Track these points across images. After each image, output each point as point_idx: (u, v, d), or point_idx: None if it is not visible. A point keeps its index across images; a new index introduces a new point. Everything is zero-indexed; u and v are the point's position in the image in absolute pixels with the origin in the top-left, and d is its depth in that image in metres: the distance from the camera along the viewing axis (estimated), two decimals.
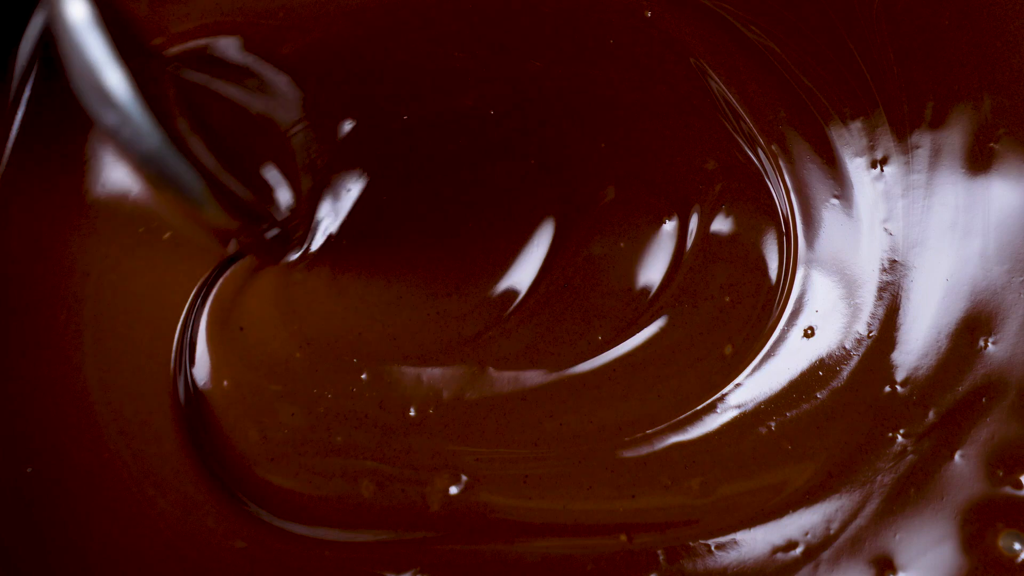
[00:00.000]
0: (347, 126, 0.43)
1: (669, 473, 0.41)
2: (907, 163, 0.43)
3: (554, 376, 0.42)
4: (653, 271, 0.43)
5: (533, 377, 0.42)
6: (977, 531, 0.39)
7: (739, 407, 0.41)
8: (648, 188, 0.43)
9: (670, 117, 0.44)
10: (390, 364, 0.42)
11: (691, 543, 0.40)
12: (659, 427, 0.41)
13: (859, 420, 0.41)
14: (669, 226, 0.43)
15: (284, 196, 0.42)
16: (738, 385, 0.41)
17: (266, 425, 0.41)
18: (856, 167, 0.43)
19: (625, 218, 0.43)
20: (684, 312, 0.42)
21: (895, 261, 0.42)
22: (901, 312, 0.42)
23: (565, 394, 0.41)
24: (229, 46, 0.43)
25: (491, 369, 0.42)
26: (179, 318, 0.42)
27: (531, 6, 0.45)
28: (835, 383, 0.41)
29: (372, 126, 0.43)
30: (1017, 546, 0.39)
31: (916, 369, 0.41)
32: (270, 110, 0.43)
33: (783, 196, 0.43)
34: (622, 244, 0.43)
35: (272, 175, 0.42)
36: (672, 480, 0.40)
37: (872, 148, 0.43)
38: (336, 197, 0.42)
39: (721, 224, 0.43)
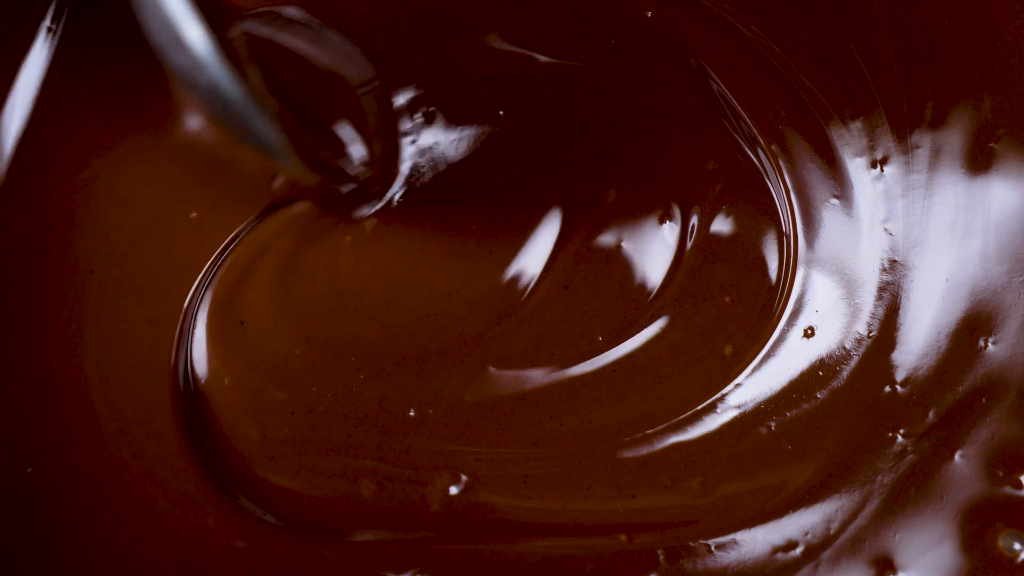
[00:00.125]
0: (401, 98, 0.43)
1: (669, 473, 0.41)
2: (907, 163, 0.43)
3: (554, 376, 0.42)
4: (653, 271, 0.43)
5: (533, 377, 0.42)
6: (977, 531, 0.39)
7: (739, 407, 0.41)
8: (648, 188, 0.43)
9: (670, 118, 0.44)
10: (390, 364, 0.42)
11: (691, 543, 0.40)
12: (659, 427, 0.41)
13: (859, 420, 0.41)
14: (669, 226, 0.43)
15: (358, 152, 0.42)
16: (738, 385, 0.41)
17: (266, 424, 0.41)
18: (856, 167, 0.43)
19: (625, 218, 0.43)
20: (684, 312, 0.42)
21: (895, 261, 0.42)
22: (901, 312, 0.42)
23: (565, 394, 0.41)
24: (296, 13, 0.43)
25: (491, 369, 0.42)
26: (180, 312, 0.42)
27: (534, 5, 0.45)
28: (835, 383, 0.41)
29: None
30: (1017, 546, 0.39)
31: (916, 369, 0.41)
32: (338, 66, 0.42)
33: (783, 196, 0.43)
34: (622, 244, 0.43)
35: (345, 132, 0.42)
36: (672, 480, 0.40)
37: (872, 148, 0.43)
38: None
39: (721, 224, 0.43)
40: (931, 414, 0.41)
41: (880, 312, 0.42)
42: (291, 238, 0.43)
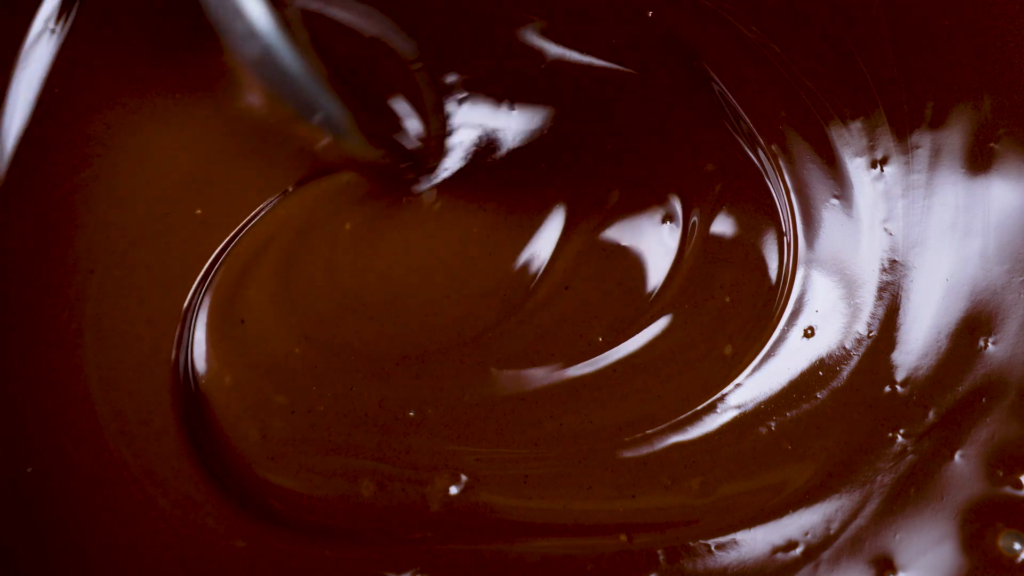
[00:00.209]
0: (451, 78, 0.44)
1: (669, 473, 0.41)
2: (907, 163, 0.43)
3: (554, 376, 0.42)
4: (653, 271, 0.43)
5: (533, 377, 0.42)
6: (977, 531, 0.39)
7: (739, 407, 0.41)
8: (648, 189, 0.43)
9: (670, 118, 0.44)
10: (389, 363, 0.42)
11: (691, 543, 0.40)
12: (659, 427, 0.41)
13: (859, 420, 0.41)
14: (669, 226, 0.43)
15: (413, 127, 0.42)
16: (738, 385, 0.41)
17: (266, 424, 0.41)
18: (856, 167, 0.43)
19: (626, 219, 0.43)
20: (684, 312, 0.42)
21: (895, 261, 0.42)
22: (901, 312, 0.42)
23: (565, 394, 0.41)
24: None
25: (491, 369, 0.42)
26: (180, 312, 0.42)
27: (536, 4, 0.45)
28: (835, 383, 0.41)
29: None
30: (1017, 546, 0.39)
31: (916, 369, 0.41)
32: (388, 39, 0.42)
33: (783, 196, 0.43)
34: (622, 245, 0.43)
35: (400, 107, 0.42)
36: (672, 480, 0.40)
37: (872, 148, 0.43)
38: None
39: (721, 224, 0.43)
40: (931, 414, 0.41)
41: (880, 312, 0.42)
42: (291, 236, 0.43)
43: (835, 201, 0.43)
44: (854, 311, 0.42)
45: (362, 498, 0.40)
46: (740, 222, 0.43)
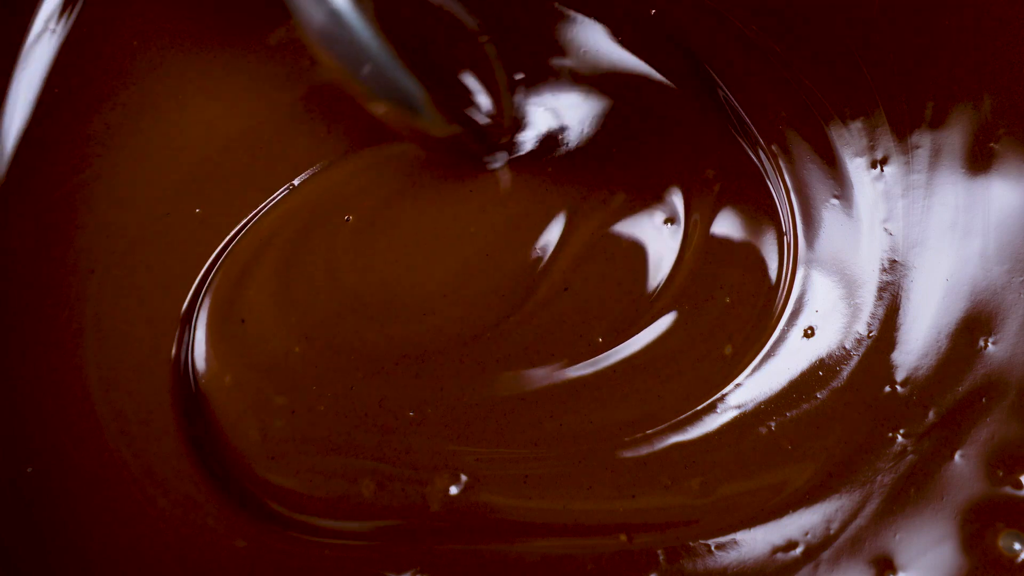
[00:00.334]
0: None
1: (669, 473, 0.41)
2: (907, 163, 0.43)
3: (554, 376, 0.42)
4: (653, 272, 0.43)
5: (533, 377, 0.42)
6: (977, 531, 0.39)
7: (739, 407, 0.41)
8: (648, 189, 0.43)
9: (670, 117, 0.44)
10: (389, 363, 0.42)
11: (691, 543, 0.40)
12: (659, 427, 0.41)
13: (859, 420, 0.41)
14: (669, 227, 0.43)
15: (484, 102, 0.43)
16: (738, 385, 0.41)
17: (266, 424, 0.41)
18: (856, 167, 0.43)
19: (625, 219, 0.43)
20: (684, 313, 0.42)
21: (895, 261, 0.42)
22: (901, 312, 0.42)
23: (565, 395, 0.41)
24: None
25: (491, 369, 0.42)
26: (180, 312, 0.42)
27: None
28: (835, 383, 0.41)
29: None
30: (1017, 546, 0.39)
31: (916, 369, 0.41)
32: (453, 8, 0.42)
33: (783, 196, 0.43)
34: (622, 245, 0.43)
35: (471, 82, 0.42)
36: (672, 480, 0.40)
37: (872, 148, 0.43)
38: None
39: (721, 224, 0.43)
40: (931, 414, 0.41)
41: (880, 312, 0.42)
42: (291, 236, 0.43)
43: (835, 201, 0.43)
44: (854, 311, 0.42)
45: (362, 498, 0.40)
46: (740, 222, 0.43)
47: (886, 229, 0.43)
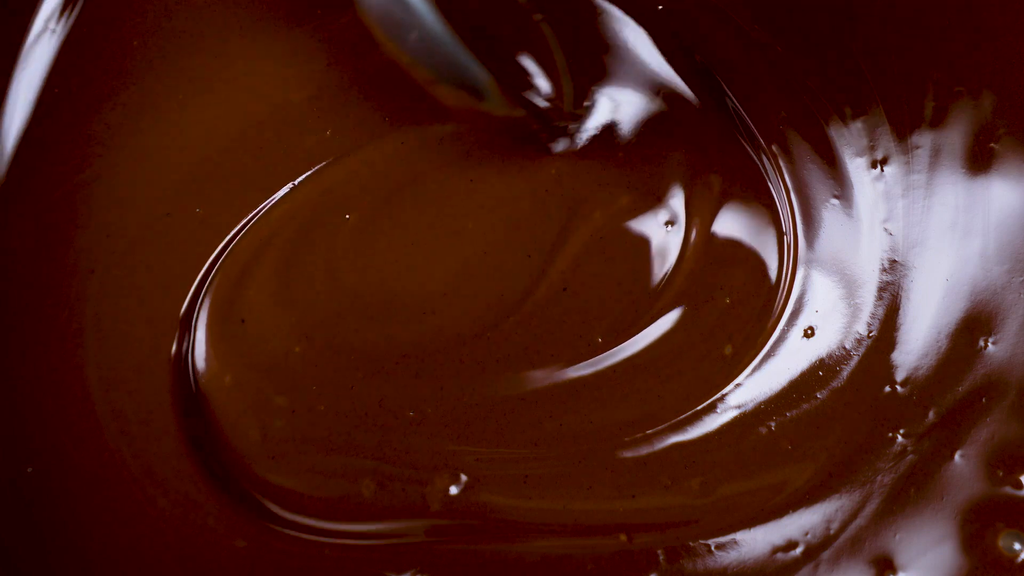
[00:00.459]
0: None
1: (669, 473, 0.41)
2: (907, 163, 0.43)
3: (554, 376, 0.42)
4: (653, 272, 0.43)
5: (533, 377, 0.42)
6: (977, 531, 0.39)
7: (739, 407, 0.41)
8: (648, 189, 0.43)
9: (671, 117, 0.44)
10: (389, 363, 0.42)
11: (691, 543, 0.40)
12: (659, 427, 0.41)
13: (859, 420, 0.41)
14: (669, 226, 0.43)
15: (543, 85, 0.43)
16: (738, 385, 0.41)
17: (266, 424, 0.41)
18: (856, 167, 0.43)
19: (625, 219, 0.43)
20: (684, 313, 0.42)
21: (895, 261, 0.42)
22: (901, 312, 0.42)
23: (565, 395, 0.41)
24: None
25: (491, 369, 0.42)
26: (180, 312, 0.42)
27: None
28: (835, 383, 0.41)
29: None
30: (1017, 546, 0.39)
31: (916, 369, 0.41)
32: None
33: (783, 196, 0.43)
34: (622, 245, 0.43)
35: (530, 64, 0.42)
36: (672, 480, 0.40)
37: (872, 148, 0.43)
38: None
39: (721, 224, 0.43)
40: (931, 414, 0.41)
41: (880, 312, 0.42)
42: (291, 236, 0.43)
43: (835, 201, 0.43)
44: (854, 311, 0.42)
45: (362, 498, 0.40)
46: (740, 222, 0.43)
47: (886, 229, 0.43)
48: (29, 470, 0.40)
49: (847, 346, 0.42)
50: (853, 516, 0.40)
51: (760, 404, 0.41)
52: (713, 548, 0.40)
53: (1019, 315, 0.41)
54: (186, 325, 0.42)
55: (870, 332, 0.42)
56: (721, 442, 0.41)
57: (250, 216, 0.43)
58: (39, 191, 0.43)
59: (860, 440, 0.41)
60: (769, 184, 0.43)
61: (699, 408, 0.41)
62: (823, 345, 0.42)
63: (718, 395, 0.41)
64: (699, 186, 0.43)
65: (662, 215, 0.43)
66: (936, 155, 0.43)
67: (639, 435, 0.41)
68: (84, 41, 0.44)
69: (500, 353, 0.42)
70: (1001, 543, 0.39)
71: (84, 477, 0.40)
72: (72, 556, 0.40)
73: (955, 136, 0.43)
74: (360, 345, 0.42)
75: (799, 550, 0.40)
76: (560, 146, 0.43)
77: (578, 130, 0.43)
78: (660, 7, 0.44)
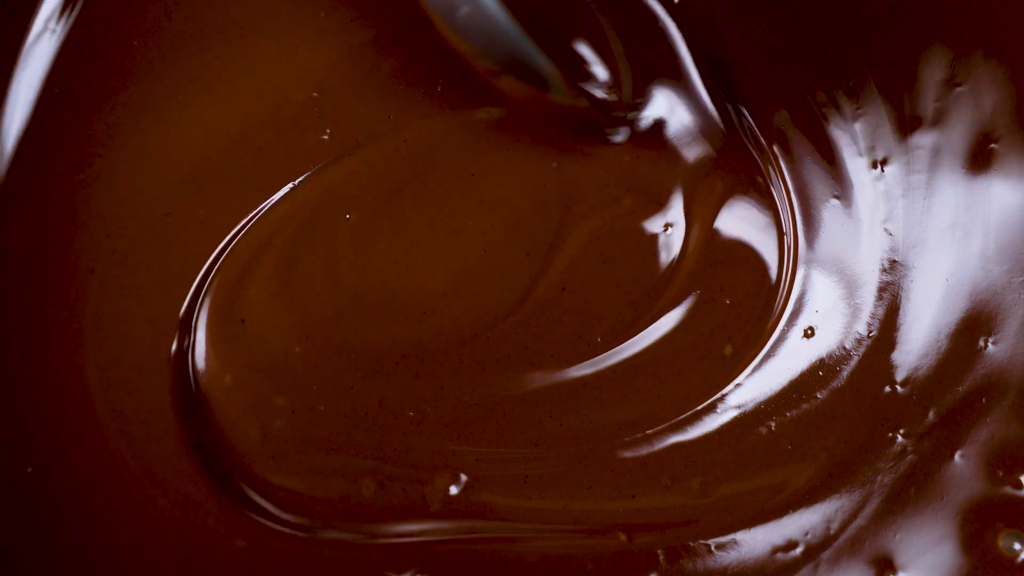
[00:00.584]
0: None
1: (669, 473, 0.41)
2: (907, 163, 0.43)
3: (554, 377, 0.42)
4: (653, 272, 0.43)
5: (533, 377, 0.42)
6: (977, 531, 0.39)
7: (739, 407, 0.41)
8: (648, 188, 0.43)
9: (671, 116, 0.44)
10: (389, 363, 0.42)
11: (691, 543, 0.40)
12: (659, 427, 0.41)
13: (859, 420, 0.41)
14: (669, 226, 0.43)
15: (601, 72, 0.43)
16: (738, 385, 0.41)
17: (266, 424, 0.41)
18: (857, 167, 0.43)
19: (625, 219, 0.43)
20: (684, 313, 0.42)
21: (895, 261, 0.42)
22: (901, 312, 0.42)
23: (565, 395, 0.41)
24: None
25: (491, 369, 0.42)
26: (180, 312, 0.42)
27: None
28: (835, 383, 0.41)
29: None
30: (1017, 546, 0.39)
31: (916, 369, 0.41)
32: None
33: (783, 196, 0.43)
34: (622, 245, 0.43)
35: (586, 52, 0.42)
36: (672, 480, 0.40)
37: (873, 148, 0.43)
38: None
39: (721, 224, 0.43)
40: (931, 414, 0.41)
41: (880, 312, 0.42)
42: (291, 235, 0.43)
43: (835, 201, 0.43)
44: (854, 311, 0.42)
45: (362, 498, 0.40)
46: (740, 222, 0.43)
47: (886, 229, 0.43)
48: (29, 470, 0.40)
49: (847, 346, 0.42)
50: (853, 516, 0.40)
51: (760, 404, 0.41)
52: (713, 548, 0.40)
53: (1019, 315, 0.41)
54: (186, 325, 0.42)
55: (870, 332, 0.42)
56: (721, 442, 0.41)
57: (250, 216, 0.43)
58: (39, 191, 0.43)
59: (860, 440, 0.41)
60: (769, 184, 0.43)
61: (699, 408, 0.41)
62: (823, 345, 0.42)
63: (718, 395, 0.41)
64: (700, 186, 0.43)
65: (662, 215, 0.43)
66: (936, 155, 0.43)
67: (639, 435, 0.41)
68: (84, 41, 0.44)
69: (500, 353, 0.42)
70: (1001, 543, 0.39)
71: (84, 477, 0.40)
72: (72, 556, 0.40)
73: (955, 136, 0.43)
74: (360, 345, 0.42)
75: (799, 550, 0.40)
76: (620, 136, 0.43)
77: (637, 119, 0.43)
78: (676, 0, 0.44)
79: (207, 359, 0.42)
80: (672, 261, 0.43)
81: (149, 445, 0.41)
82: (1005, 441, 0.40)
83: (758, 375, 0.42)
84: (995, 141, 0.43)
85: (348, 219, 0.43)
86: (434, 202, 0.43)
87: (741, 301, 0.42)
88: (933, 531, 0.39)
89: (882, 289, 0.42)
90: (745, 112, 0.44)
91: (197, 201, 0.43)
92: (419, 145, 0.44)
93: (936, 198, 0.43)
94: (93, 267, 0.42)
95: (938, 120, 0.43)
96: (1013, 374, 0.41)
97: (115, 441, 0.41)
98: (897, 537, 0.40)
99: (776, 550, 0.40)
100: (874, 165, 0.43)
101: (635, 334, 0.42)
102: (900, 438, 0.41)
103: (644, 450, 0.41)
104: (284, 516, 0.40)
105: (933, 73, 0.43)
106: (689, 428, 0.41)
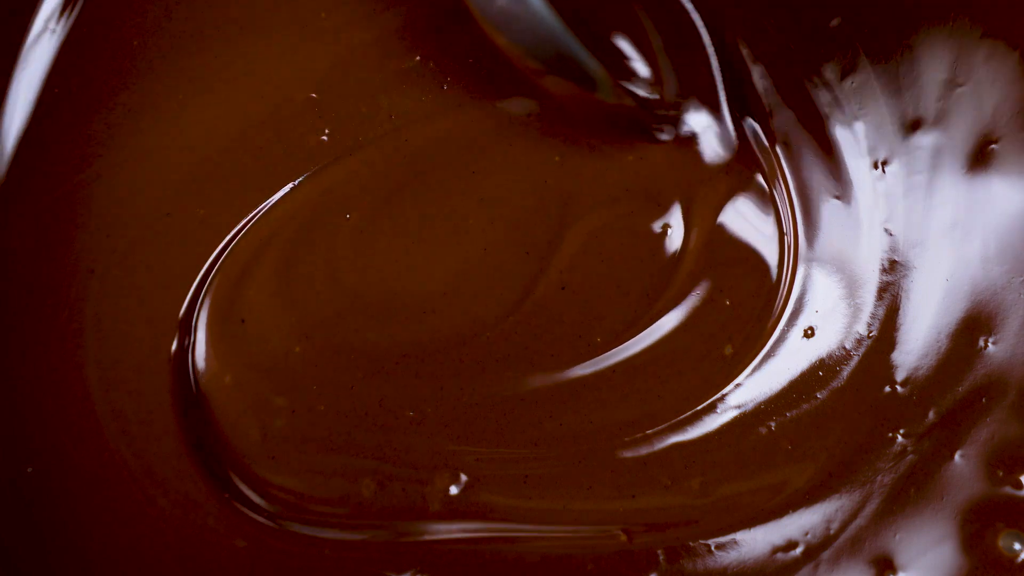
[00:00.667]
0: None
1: (669, 473, 0.41)
2: (908, 163, 0.43)
3: (554, 377, 0.42)
4: (653, 272, 0.43)
5: (533, 377, 0.42)
6: (977, 531, 0.39)
7: (739, 407, 0.41)
8: (648, 188, 0.43)
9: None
10: (389, 363, 0.42)
11: (691, 543, 0.40)
12: (659, 427, 0.41)
13: (859, 420, 0.41)
14: (669, 226, 0.43)
15: (641, 69, 0.43)
16: (738, 385, 0.41)
17: (266, 424, 0.41)
18: (858, 167, 0.43)
19: (626, 219, 0.43)
20: (684, 313, 0.42)
21: (895, 261, 0.42)
22: (901, 312, 0.42)
23: (565, 395, 0.41)
24: None
25: (491, 369, 0.42)
26: (180, 312, 0.42)
27: None
28: (835, 383, 0.41)
29: None
30: (1017, 546, 0.39)
31: (916, 369, 0.41)
32: None
33: (784, 196, 0.43)
34: (622, 245, 0.43)
35: (626, 47, 0.42)
36: (672, 480, 0.40)
37: (874, 148, 0.43)
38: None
39: (721, 224, 0.43)
40: (931, 414, 0.41)
41: (880, 312, 0.42)
42: (291, 235, 0.43)
43: (836, 201, 0.43)
44: (854, 311, 0.42)
45: (362, 498, 0.40)
46: (741, 222, 0.43)
47: (887, 229, 0.43)
48: (29, 470, 0.40)
49: (847, 346, 0.42)
50: (853, 516, 0.40)
51: (760, 404, 0.41)
52: (713, 548, 0.40)
53: (1019, 315, 0.41)
54: (186, 325, 0.42)
55: (870, 332, 0.42)
56: (721, 442, 0.41)
57: (250, 216, 0.43)
58: (39, 191, 0.43)
59: (860, 440, 0.41)
60: (770, 184, 0.43)
61: (699, 408, 0.41)
62: (823, 345, 0.42)
63: (718, 395, 0.41)
64: (701, 186, 0.43)
65: (663, 215, 0.43)
66: (937, 156, 0.43)
67: (639, 435, 0.41)
68: (84, 41, 0.44)
69: (500, 353, 0.42)
70: (1001, 543, 0.39)
71: (84, 477, 0.40)
72: (72, 556, 0.40)
73: (957, 137, 0.43)
74: (360, 345, 0.42)
75: (799, 550, 0.40)
76: (666, 135, 0.43)
77: (680, 117, 0.43)
78: None
79: (207, 359, 0.42)
80: (672, 261, 0.43)
81: (149, 445, 0.41)
82: (1005, 441, 0.40)
83: (758, 375, 0.42)
84: (996, 141, 0.43)
85: (348, 219, 0.43)
86: (434, 202, 0.43)
87: (741, 301, 0.42)
88: (933, 531, 0.39)
89: (882, 289, 0.42)
90: (746, 112, 0.44)
91: (197, 201, 0.43)
92: (419, 145, 0.44)
93: (937, 198, 0.43)
94: (93, 267, 0.42)
95: (939, 120, 0.43)
96: (1013, 374, 0.41)
97: (115, 441, 0.41)
98: (897, 537, 0.40)
99: (776, 550, 0.40)
100: (875, 165, 0.43)
101: (635, 334, 0.42)
102: (900, 438, 0.41)
103: (644, 450, 0.41)
104: (284, 516, 0.40)
105: (935, 73, 0.43)
106: (689, 428, 0.41)
